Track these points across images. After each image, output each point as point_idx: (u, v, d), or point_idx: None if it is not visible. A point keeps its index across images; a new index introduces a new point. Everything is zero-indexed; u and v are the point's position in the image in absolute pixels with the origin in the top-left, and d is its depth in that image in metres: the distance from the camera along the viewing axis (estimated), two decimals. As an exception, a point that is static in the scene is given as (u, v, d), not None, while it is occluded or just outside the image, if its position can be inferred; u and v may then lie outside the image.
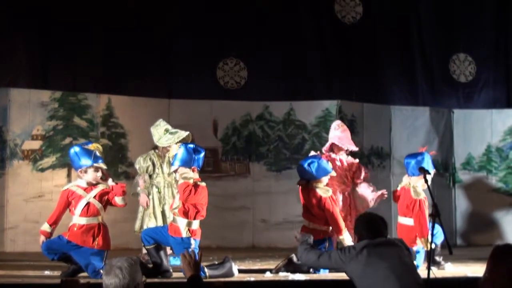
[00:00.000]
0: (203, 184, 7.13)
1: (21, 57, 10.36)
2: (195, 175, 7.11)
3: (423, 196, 7.60)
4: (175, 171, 7.23)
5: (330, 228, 7.58)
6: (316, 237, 7.55)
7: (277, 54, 11.34)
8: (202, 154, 7.19)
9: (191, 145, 7.23)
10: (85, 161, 7.04)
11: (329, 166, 7.75)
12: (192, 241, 6.98)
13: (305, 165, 7.61)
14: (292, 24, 11.60)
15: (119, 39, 10.74)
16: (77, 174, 7.23)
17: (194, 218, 7.04)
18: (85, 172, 7.08)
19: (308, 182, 7.65)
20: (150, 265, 7.29)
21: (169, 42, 11.18)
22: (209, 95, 11.00)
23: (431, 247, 5.75)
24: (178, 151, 7.16)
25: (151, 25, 10.98)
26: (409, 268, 4.56)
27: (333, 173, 7.82)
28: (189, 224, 7.02)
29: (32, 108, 9.94)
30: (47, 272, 7.30)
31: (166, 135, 8.08)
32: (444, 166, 11.68)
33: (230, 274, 7.12)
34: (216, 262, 7.46)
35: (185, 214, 7.00)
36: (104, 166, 7.17)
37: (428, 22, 12.28)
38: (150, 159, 8.24)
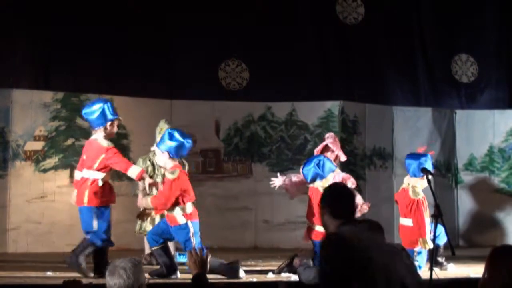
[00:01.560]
0: (178, 169, 7.12)
1: (23, 58, 10.35)
2: (175, 162, 7.14)
3: (422, 196, 7.60)
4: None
5: None
6: (317, 238, 7.57)
7: (279, 54, 11.32)
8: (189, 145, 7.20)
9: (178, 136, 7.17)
10: (113, 115, 7.25)
11: (333, 163, 7.82)
12: (190, 224, 7.01)
13: (313, 166, 7.63)
14: (294, 25, 11.59)
15: (121, 40, 10.74)
16: (102, 129, 7.22)
17: (185, 203, 7.06)
18: (111, 125, 7.26)
19: (314, 181, 7.69)
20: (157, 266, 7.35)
21: (171, 43, 11.17)
22: (211, 96, 11.00)
23: (433, 248, 5.76)
24: (169, 139, 7.12)
25: (152, 26, 10.97)
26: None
27: (337, 170, 7.90)
28: (183, 210, 7.05)
29: (34, 109, 9.93)
30: (49, 273, 7.29)
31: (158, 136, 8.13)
32: (446, 166, 11.66)
33: (236, 276, 7.10)
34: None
35: (176, 202, 7.04)
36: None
37: (430, 23, 12.27)
38: (149, 160, 8.22)
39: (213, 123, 10.87)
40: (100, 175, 7.15)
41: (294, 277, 7.11)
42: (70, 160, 9.98)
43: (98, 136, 7.23)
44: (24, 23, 10.34)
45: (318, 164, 7.64)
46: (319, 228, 7.62)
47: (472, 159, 11.76)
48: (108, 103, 7.31)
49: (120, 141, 10.30)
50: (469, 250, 10.36)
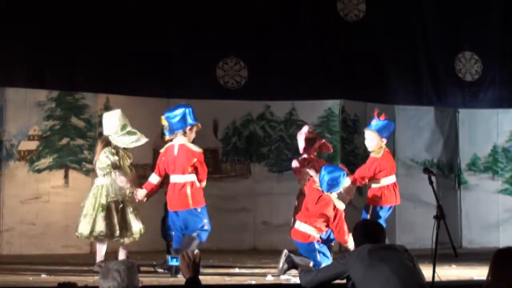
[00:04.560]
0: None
1: (18, 56, 10.24)
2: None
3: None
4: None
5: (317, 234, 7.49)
6: (305, 240, 7.50)
7: (278, 52, 11.23)
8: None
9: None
10: (193, 120, 7.52)
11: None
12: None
13: (339, 178, 7.46)
14: (294, 22, 11.49)
15: (117, 38, 10.63)
16: (182, 132, 7.44)
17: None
18: (190, 130, 7.49)
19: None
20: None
21: (169, 41, 11.07)
22: (209, 94, 10.91)
23: (436, 249, 5.64)
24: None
25: (150, 24, 10.89)
26: (412, 271, 4.52)
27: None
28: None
29: (28, 108, 9.84)
30: (43, 276, 7.18)
31: (123, 133, 7.75)
32: (449, 167, 11.60)
33: None
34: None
35: None
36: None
37: (433, 19, 12.17)
38: (115, 152, 7.75)
39: (211, 123, 10.78)
40: (195, 177, 7.43)
41: (293, 280, 6.99)
42: (65, 160, 9.95)
43: (181, 140, 7.44)
44: (19, 21, 10.24)
45: (343, 176, 7.53)
46: (306, 229, 7.47)
47: (475, 159, 11.70)
48: (190, 108, 7.49)
49: (116, 141, 10.20)
50: (472, 252, 10.30)
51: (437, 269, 5.38)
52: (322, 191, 7.49)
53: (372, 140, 7.92)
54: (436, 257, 5.44)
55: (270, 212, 10.75)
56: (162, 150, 7.60)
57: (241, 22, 11.21)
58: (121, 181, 7.60)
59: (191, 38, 11.04)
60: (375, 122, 7.92)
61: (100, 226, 7.49)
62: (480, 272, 7.39)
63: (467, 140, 11.71)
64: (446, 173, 11.52)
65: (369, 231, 4.76)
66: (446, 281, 6.67)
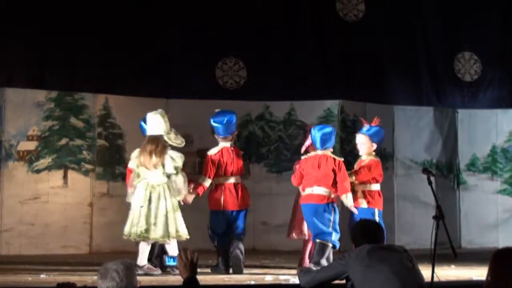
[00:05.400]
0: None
1: (17, 56, 10.23)
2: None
3: None
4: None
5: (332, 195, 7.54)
6: (320, 201, 7.52)
7: (278, 52, 11.21)
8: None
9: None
10: (236, 127, 7.97)
11: None
12: None
13: (331, 133, 7.73)
14: (293, 22, 11.47)
15: (116, 38, 10.62)
16: (230, 137, 7.85)
17: None
18: (235, 136, 8.04)
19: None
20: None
21: (168, 41, 11.03)
22: (208, 95, 10.85)
23: (435, 249, 5.63)
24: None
25: (150, 24, 10.86)
26: (411, 271, 4.50)
27: None
28: None
29: (27, 108, 9.83)
30: (42, 276, 7.16)
31: (173, 133, 7.60)
32: (449, 167, 11.57)
33: None
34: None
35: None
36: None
37: (432, 20, 12.14)
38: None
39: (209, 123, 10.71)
40: None
41: (293, 280, 6.96)
42: (64, 160, 9.93)
43: (230, 143, 7.84)
44: (18, 21, 10.22)
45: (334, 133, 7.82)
46: (319, 192, 7.51)
47: (474, 159, 11.67)
48: (236, 116, 7.92)
49: (115, 141, 10.21)
50: (471, 252, 10.27)
51: (436, 270, 5.34)
52: (317, 152, 7.59)
53: (363, 144, 7.96)
54: (435, 258, 5.41)
55: (269, 213, 10.70)
56: (212, 153, 7.72)
57: (241, 22, 11.19)
58: (185, 181, 7.47)
59: (190, 38, 11.01)
60: (367, 127, 7.98)
61: (173, 226, 7.35)
62: (479, 273, 7.35)
63: (466, 140, 11.69)
64: (445, 173, 11.49)
65: (368, 231, 4.75)
66: (445, 282, 6.67)
